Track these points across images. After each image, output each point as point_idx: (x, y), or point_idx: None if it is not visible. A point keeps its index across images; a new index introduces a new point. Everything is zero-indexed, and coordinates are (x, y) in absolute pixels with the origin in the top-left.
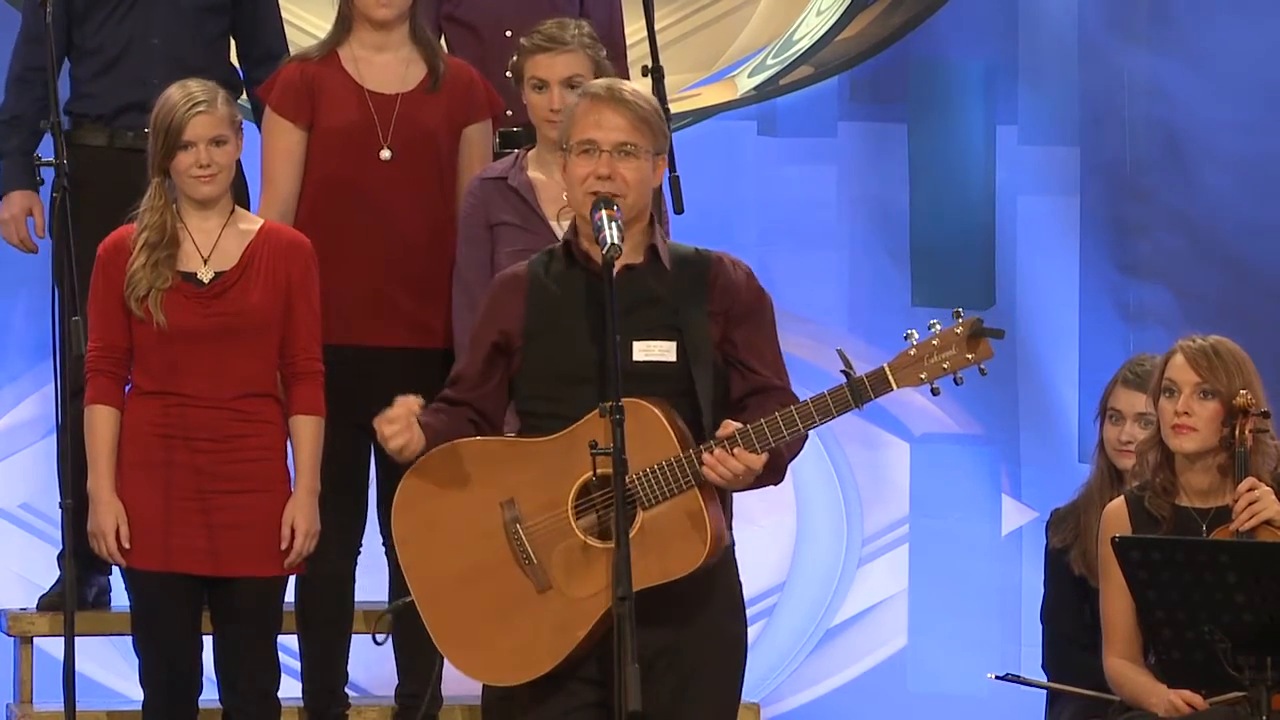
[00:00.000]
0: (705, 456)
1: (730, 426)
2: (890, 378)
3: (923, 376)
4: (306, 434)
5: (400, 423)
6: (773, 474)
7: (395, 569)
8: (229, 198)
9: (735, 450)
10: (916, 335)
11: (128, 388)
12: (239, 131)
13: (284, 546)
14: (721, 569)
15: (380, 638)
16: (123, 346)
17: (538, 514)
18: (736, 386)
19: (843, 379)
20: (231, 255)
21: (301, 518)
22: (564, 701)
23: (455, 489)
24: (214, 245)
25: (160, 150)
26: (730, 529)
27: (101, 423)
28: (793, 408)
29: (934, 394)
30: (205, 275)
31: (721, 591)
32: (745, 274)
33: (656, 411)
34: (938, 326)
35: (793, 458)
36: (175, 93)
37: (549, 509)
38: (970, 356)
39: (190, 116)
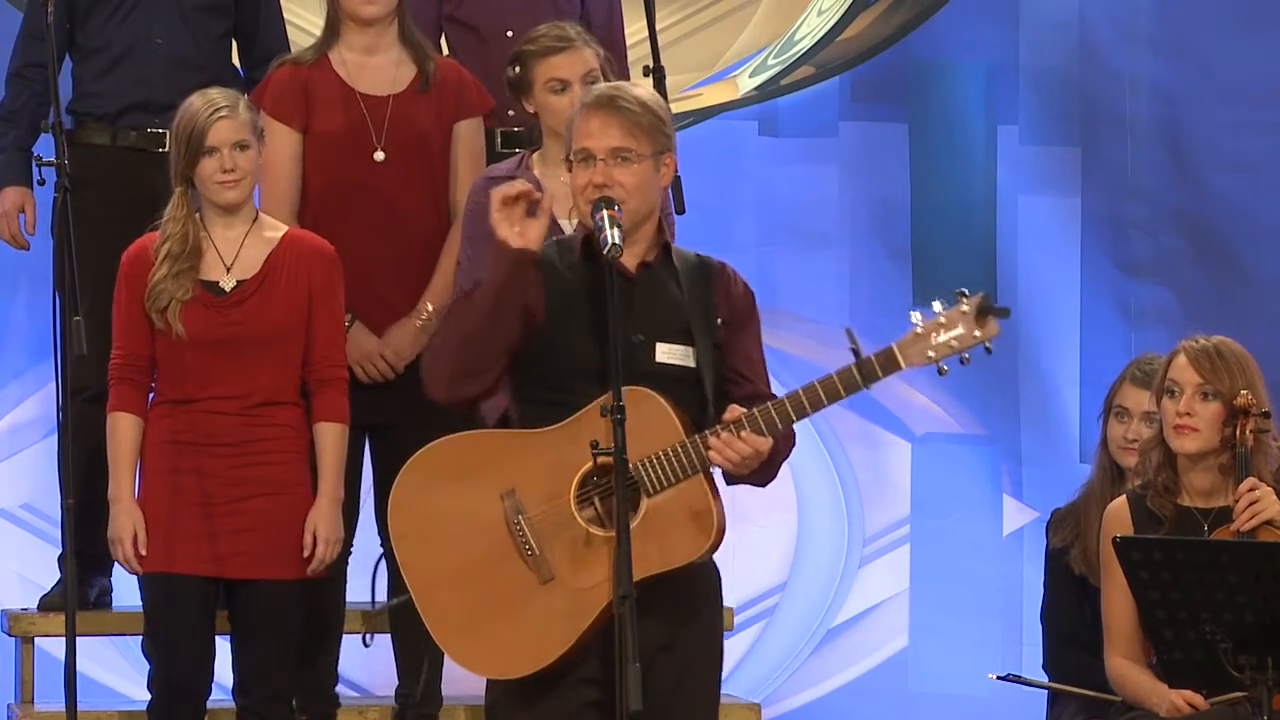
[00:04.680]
0: (712, 440)
1: (737, 410)
2: (899, 356)
3: (931, 355)
4: (330, 441)
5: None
6: (767, 467)
7: (395, 568)
8: (252, 204)
9: (743, 433)
10: (920, 315)
11: (151, 395)
12: (261, 137)
13: (306, 554)
14: (707, 569)
15: (369, 638)
16: (146, 355)
17: (539, 505)
18: (732, 393)
19: (851, 358)
20: (254, 263)
21: (323, 524)
22: (566, 701)
23: (454, 482)
24: (237, 253)
25: (184, 158)
26: None
27: (123, 430)
28: (800, 390)
29: (941, 374)
30: (227, 284)
31: (709, 587)
32: (743, 284)
33: (661, 399)
34: (940, 305)
35: (785, 458)
36: (197, 100)
37: (551, 499)
38: (978, 334)
39: (213, 122)
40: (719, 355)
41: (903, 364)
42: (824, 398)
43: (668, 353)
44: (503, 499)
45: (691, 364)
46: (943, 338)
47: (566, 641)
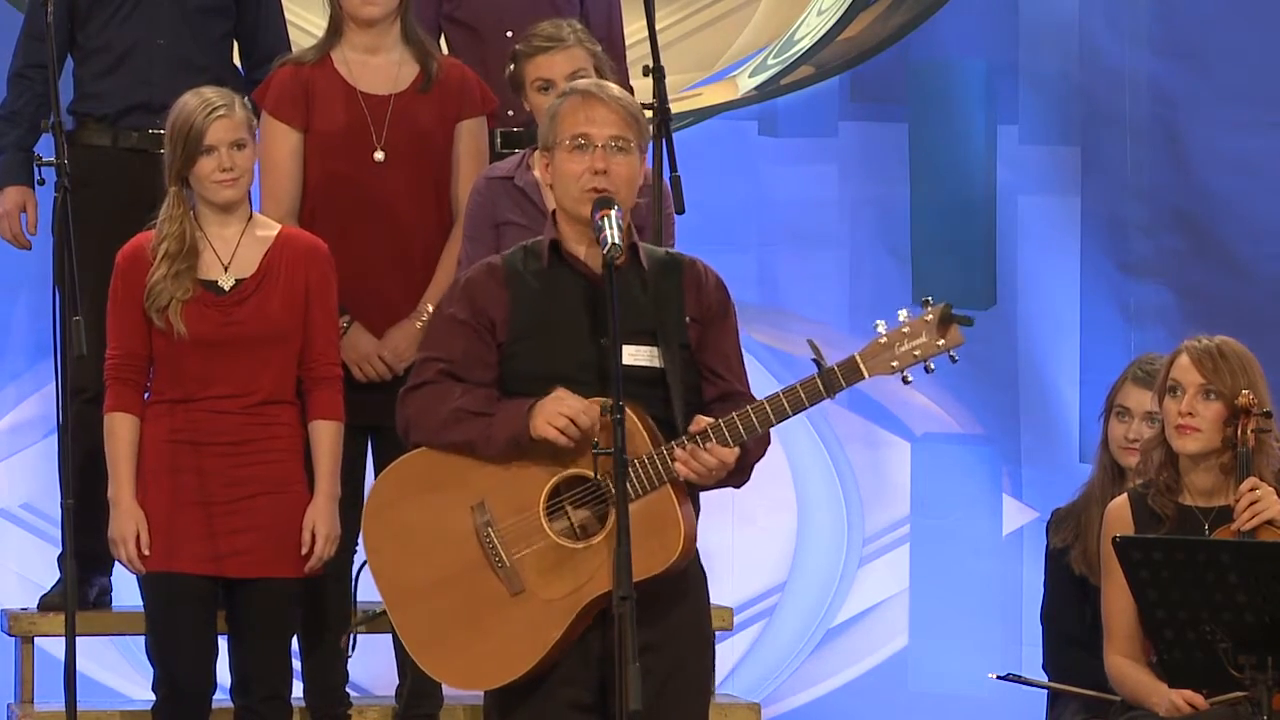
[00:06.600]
0: (678, 452)
1: (702, 422)
2: (861, 366)
3: (894, 364)
4: (326, 439)
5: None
6: (738, 473)
7: None
8: (247, 204)
9: (708, 445)
10: (885, 324)
11: (146, 394)
12: (255, 135)
13: (304, 551)
14: (692, 568)
15: (352, 646)
16: (143, 355)
17: (509, 516)
18: (706, 391)
19: (814, 368)
20: (251, 262)
21: (321, 522)
22: (550, 703)
23: (426, 493)
24: (234, 252)
25: (180, 157)
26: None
27: (121, 430)
28: (764, 400)
29: (905, 382)
30: (226, 283)
31: (695, 590)
32: (715, 279)
33: (632, 411)
34: (905, 314)
35: (757, 459)
36: (192, 100)
37: (520, 511)
38: (941, 343)
39: (211, 121)
40: (688, 355)
41: (866, 374)
42: (788, 408)
43: (634, 355)
44: (473, 511)
45: (658, 364)
46: (906, 347)
47: (536, 654)
